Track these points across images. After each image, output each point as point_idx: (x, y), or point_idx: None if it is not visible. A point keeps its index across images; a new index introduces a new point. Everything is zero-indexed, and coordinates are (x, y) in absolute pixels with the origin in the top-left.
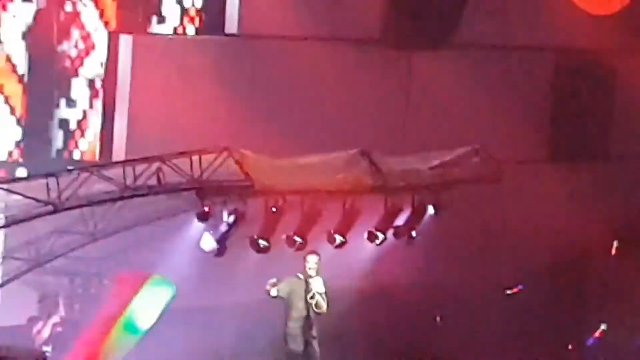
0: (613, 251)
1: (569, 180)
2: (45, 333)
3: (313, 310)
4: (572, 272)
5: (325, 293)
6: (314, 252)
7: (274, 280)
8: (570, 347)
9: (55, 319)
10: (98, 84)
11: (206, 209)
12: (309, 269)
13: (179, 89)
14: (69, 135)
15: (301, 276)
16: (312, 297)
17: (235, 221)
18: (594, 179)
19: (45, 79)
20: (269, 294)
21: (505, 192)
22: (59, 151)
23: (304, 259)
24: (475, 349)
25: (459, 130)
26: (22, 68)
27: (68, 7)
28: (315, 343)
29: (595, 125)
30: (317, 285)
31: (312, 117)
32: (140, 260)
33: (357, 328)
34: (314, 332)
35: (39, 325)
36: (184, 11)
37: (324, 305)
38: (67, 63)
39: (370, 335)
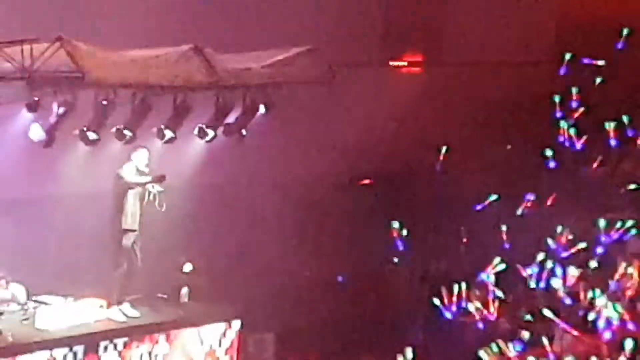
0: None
1: (401, 85)
2: None
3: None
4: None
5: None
6: (143, 146)
7: None
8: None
9: None
10: None
11: (36, 99)
12: (143, 162)
13: None
14: None
15: (128, 172)
16: (148, 193)
17: (64, 112)
18: (426, 85)
19: None
20: None
21: (336, 94)
22: None
23: (133, 154)
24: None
25: (292, 31)
26: None
27: None
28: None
29: (428, 31)
30: (141, 180)
31: (145, 9)
32: None
33: (185, 223)
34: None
35: None
36: None
37: (162, 201)
38: None
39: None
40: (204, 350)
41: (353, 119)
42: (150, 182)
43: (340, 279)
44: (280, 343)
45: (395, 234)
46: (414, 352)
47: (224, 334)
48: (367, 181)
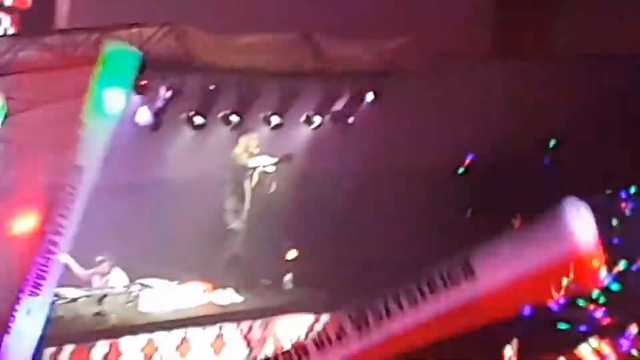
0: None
1: (511, 76)
2: None
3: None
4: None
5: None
6: (252, 130)
7: None
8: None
9: None
10: None
11: (144, 82)
12: (252, 146)
13: None
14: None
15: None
16: (257, 176)
17: (172, 97)
18: (537, 77)
19: None
20: None
21: (445, 84)
22: None
23: (241, 138)
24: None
25: (401, 20)
26: None
27: None
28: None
29: (540, 19)
30: (261, 162)
31: None
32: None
33: (290, 209)
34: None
35: None
36: None
37: (272, 183)
38: None
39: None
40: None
41: (461, 109)
42: (276, 162)
43: None
44: None
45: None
46: (519, 343)
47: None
48: (465, 168)
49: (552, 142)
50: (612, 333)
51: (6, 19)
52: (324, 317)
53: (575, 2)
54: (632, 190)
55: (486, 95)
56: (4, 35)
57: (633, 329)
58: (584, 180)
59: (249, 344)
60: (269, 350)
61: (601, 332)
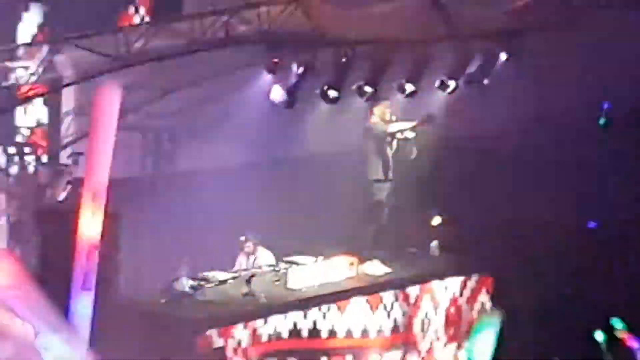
0: None
1: None
2: None
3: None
4: None
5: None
6: (386, 99)
7: None
8: None
9: None
10: None
11: (275, 60)
12: (387, 114)
13: None
14: None
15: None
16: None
17: (304, 72)
18: None
19: None
20: None
21: (582, 39)
22: None
23: (375, 108)
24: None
25: None
26: None
27: None
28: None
29: None
30: (401, 127)
31: None
32: (211, 115)
33: (431, 175)
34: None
35: None
36: None
37: (412, 148)
38: None
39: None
40: (448, 297)
41: (599, 62)
42: (416, 124)
43: (592, 225)
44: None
45: None
46: None
47: (465, 284)
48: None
49: None
50: None
51: (141, 9)
52: (473, 278)
53: None
54: None
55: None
56: (140, 24)
57: None
58: None
59: (405, 300)
60: (427, 306)
61: None
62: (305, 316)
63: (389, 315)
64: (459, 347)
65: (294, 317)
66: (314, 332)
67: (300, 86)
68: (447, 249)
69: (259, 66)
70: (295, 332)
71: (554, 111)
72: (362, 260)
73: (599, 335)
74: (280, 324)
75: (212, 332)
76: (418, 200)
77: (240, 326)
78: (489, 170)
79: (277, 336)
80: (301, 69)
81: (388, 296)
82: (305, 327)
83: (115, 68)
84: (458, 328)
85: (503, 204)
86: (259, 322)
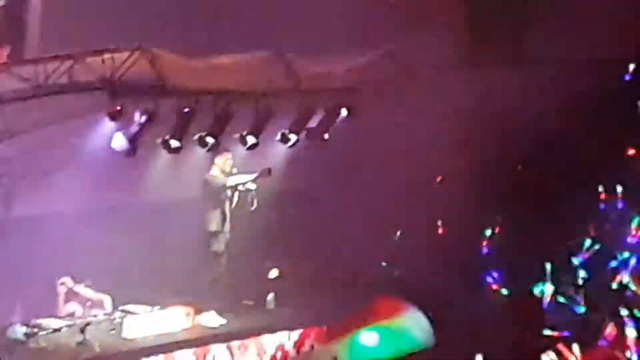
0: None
1: (483, 85)
2: None
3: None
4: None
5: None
6: (227, 150)
7: None
8: None
9: None
10: None
11: (117, 108)
12: (228, 166)
13: None
14: None
15: (215, 176)
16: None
17: (146, 121)
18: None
19: None
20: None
21: (419, 95)
22: None
23: (217, 158)
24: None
25: (372, 32)
26: None
27: None
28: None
29: (511, 29)
30: (241, 180)
31: (227, 16)
32: (51, 160)
33: (270, 228)
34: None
35: None
36: None
37: (253, 200)
38: None
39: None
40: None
41: (435, 120)
42: (255, 178)
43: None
44: None
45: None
46: None
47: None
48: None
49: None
50: None
51: None
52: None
53: (544, 10)
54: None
55: (460, 105)
56: None
57: None
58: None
59: (230, 351)
60: (252, 355)
61: None
62: None
63: None
64: None
65: None
66: None
67: (142, 135)
68: (282, 302)
69: (101, 113)
70: None
71: (393, 166)
72: (198, 311)
73: None
74: None
75: None
76: (257, 252)
77: None
78: (327, 221)
79: None
80: (143, 118)
81: (217, 348)
82: None
83: None
84: None
85: (341, 255)
86: None
